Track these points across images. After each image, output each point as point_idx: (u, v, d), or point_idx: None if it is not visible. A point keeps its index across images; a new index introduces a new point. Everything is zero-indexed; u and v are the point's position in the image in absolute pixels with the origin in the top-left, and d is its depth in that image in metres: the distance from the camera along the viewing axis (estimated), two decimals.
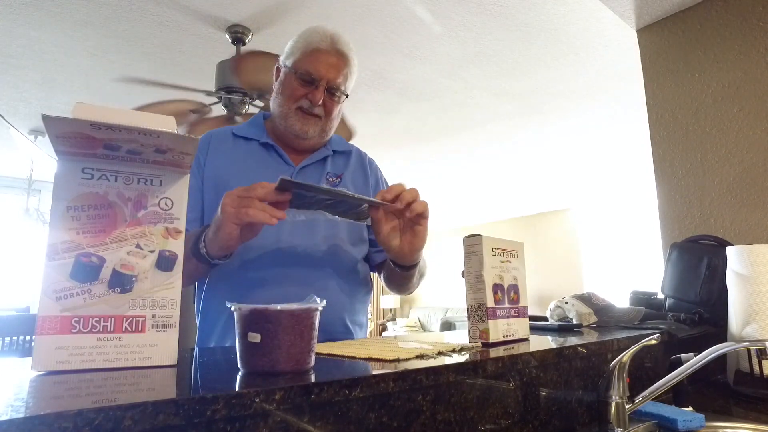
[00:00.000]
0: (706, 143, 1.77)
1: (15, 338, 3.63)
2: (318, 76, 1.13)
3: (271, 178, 1.14)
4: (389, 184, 1.35)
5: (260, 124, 1.26)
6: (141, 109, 2.73)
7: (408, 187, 0.96)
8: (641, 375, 1.10)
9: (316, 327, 0.64)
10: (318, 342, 0.66)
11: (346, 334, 1.16)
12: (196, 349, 0.93)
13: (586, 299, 1.31)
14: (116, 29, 2.65)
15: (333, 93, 1.16)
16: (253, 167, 1.16)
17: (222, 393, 0.49)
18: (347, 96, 1.20)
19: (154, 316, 0.65)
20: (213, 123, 2.96)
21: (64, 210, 0.63)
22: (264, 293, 1.04)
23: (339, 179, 1.23)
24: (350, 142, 3.13)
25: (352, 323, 1.18)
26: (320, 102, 1.13)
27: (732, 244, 1.31)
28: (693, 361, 0.84)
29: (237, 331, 0.62)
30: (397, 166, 5.44)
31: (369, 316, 9.30)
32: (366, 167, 1.31)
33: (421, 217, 0.97)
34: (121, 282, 0.64)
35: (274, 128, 1.23)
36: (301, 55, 1.14)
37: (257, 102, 2.81)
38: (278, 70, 1.21)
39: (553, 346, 0.90)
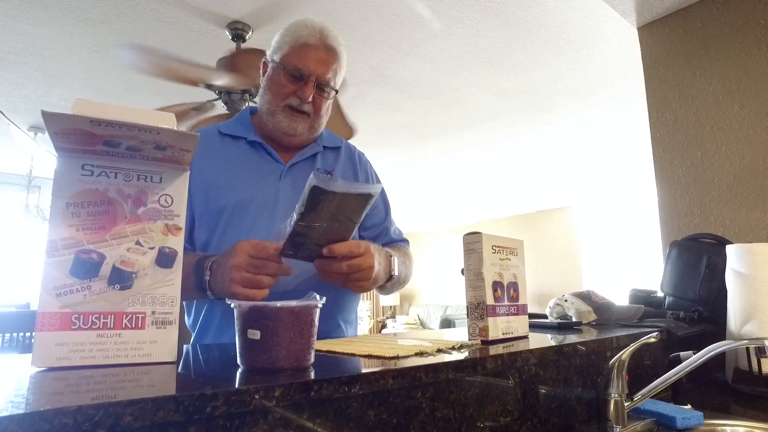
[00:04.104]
0: (706, 141, 1.77)
1: (15, 335, 3.64)
2: (307, 71, 1.11)
3: (260, 177, 1.15)
4: (379, 180, 1.35)
5: (247, 120, 1.23)
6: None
7: (360, 247, 0.95)
8: (640, 373, 1.10)
9: (316, 324, 0.64)
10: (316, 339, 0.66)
11: (338, 332, 1.17)
12: (197, 346, 0.93)
13: (585, 297, 1.32)
14: (116, 26, 2.64)
15: (322, 89, 1.14)
16: (242, 167, 1.15)
17: (222, 390, 0.49)
18: (336, 92, 1.18)
19: (153, 312, 0.66)
20: (213, 120, 2.96)
21: (64, 206, 0.63)
22: None
23: (329, 175, 1.21)
24: (351, 139, 3.12)
25: (343, 321, 1.19)
26: (309, 98, 1.11)
27: (732, 243, 1.31)
28: (692, 359, 0.84)
29: (237, 328, 0.62)
30: (397, 164, 5.43)
31: (369, 313, 9.25)
32: (355, 162, 1.30)
33: (361, 279, 0.98)
34: (121, 279, 0.64)
35: (261, 124, 1.20)
36: (289, 50, 1.12)
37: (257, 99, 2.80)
38: (265, 64, 1.19)
39: (553, 343, 0.90)
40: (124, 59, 2.52)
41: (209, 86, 2.66)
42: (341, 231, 0.91)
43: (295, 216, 0.84)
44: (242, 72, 2.48)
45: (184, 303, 1.17)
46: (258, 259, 0.88)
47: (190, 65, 2.45)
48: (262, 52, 2.31)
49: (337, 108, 2.80)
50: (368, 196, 0.85)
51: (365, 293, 1.28)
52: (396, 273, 1.11)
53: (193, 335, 1.15)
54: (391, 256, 1.10)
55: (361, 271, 0.96)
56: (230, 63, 2.50)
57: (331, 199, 0.81)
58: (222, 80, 2.57)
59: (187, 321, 1.17)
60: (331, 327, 1.15)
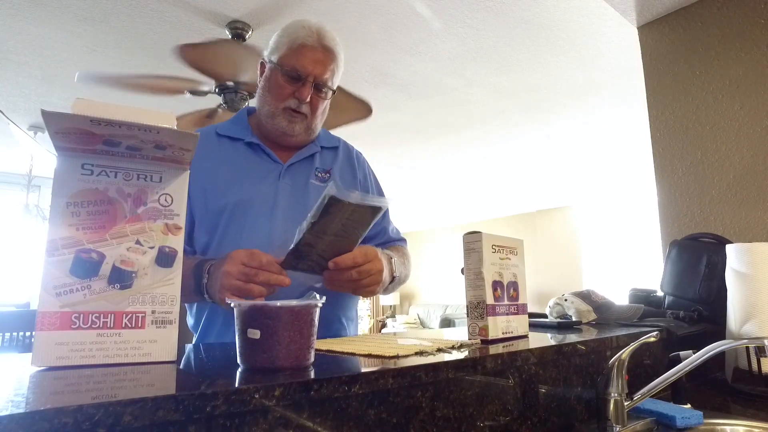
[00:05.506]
0: (706, 141, 1.77)
1: (15, 334, 3.63)
2: (305, 72, 1.11)
3: (259, 178, 1.15)
4: (377, 180, 1.36)
5: (244, 121, 1.24)
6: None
7: (368, 254, 0.97)
8: (640, 372, 1.10)
9: (316, 323, 0.64)
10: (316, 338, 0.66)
11: (341, 330, 1.18)
12: (196, 345, 0.93)
13: (585, 296, 1.31)
14: (116, 25, 2.64)
15: (320, 89, 1.14)
16: (241, 168, 1.16)
17: (222, 389, 0.49)
18: (334, 92, 1.19)
19: (153, 312, 0.66)
20: (214, 120, 2.96)
21: (64, 206, 0.63)
22: None
23: (328, 174, 1.22)
24: (358, 128, 3.11)
25: (345, 319, 1.21)
26: (307, 99, 1.12)
27: (731, 242, 1.31)
28: (692, 359, 0.84)
29: (237, 328, 0.62)
30: (396, 164, 5.43)
31: (369, 312, 9.27)
32: (353, 161, 1.31)
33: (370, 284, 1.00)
34: (121, 278, 0.64)
35: (259, 125, 1.21)
36: (287, 51, 1.12)
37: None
38: (263, 65, 1.19)
39: (552, 343, 0.90)
40: (82, 81, 2.52)
41: (194, 92, 2.67)
42: (346, 243, 0.92)
43: (305, 225, 0.84)
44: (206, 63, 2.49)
45: (186, 304, 1.17)
46: (250, 267, 0.88)
47: (161, 79, 2.46)
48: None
49: (344, 93, 2.79)
50: (378, 210, 0.87)
51: None
52: (397, 274, 1.13)
53: (196, 336, 1.15)
54: (391, 258, 1.11)
55: (371, 276, 0.98)
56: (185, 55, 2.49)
57: (344, 210, 0.82)
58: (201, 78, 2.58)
59: (189, 322, 1.18)
60: (333, 325, 1.17)
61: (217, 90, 2.81)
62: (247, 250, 0.90)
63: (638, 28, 2.02)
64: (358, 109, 2.94)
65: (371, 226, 0.90)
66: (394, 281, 1.14)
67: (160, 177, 0.69)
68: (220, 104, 2.87)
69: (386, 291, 1.19)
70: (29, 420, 0.39)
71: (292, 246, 0.87)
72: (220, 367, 0.69)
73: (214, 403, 0.48)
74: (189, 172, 0.71)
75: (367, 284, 0.99)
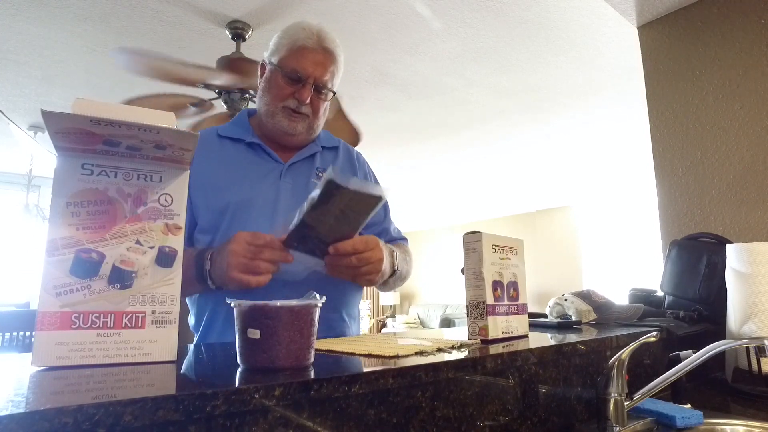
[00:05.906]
0: (706, 141, 1.77)
1: (15, 334, 3.64)
2: (305, 74, 1.12)
3: (260, 177, 1.16)
4: (377, 180, 1.37)
5: (245, 122, 1.24)
6: (136, 101, 2.72)
7: (368, 243, 0.99)
8: (640, 372, 1.10)
9: (316, 323, 0.64)
10: (318, 336, 0.66)
11: (343, 327, 1.19)
12: (196, 345, 0.93)
13: (585, 296, 1.31)
14: (116, 25, 2.64)
15: (320, 91, 1.15)
16: (242, 168, 1.16)
17: (221, 389, 0.49)
18: (334, 93, 1.19)
19: (153, 312, 0.66)
20: (214, 120, 2.95)
21: (64, 206, 0.63)
22: (261, 290, 1.04)
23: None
24: (357, 144, 3.14)
25: (348, 315, 1.21)
26: (308, 100, 1.13)
27: (731, 242, 1.31)
28: (691, 359, 0.84)
29: (237, 327, 0.62)
30: (396, 164, 5.43)
31: (369, 312, 9.29)
32: (354, 161, 1.32)
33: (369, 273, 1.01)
34: (121, 278, 0.64)
35: (260, 125, 1.21)
36: (287, 53, 1.13)
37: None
38: (263, 66, 1.20)
39: (552, 343, 0.90)
40: (118, 61, 2.52)
41: (208, 86, 2.65)
42: (346, 230, 0.93)
43: (305, 207, 0.86)
44: (241, 74, 2.49)
45: (188, 304, 1.18)
46: (255, 246, 0.90)
47: (185, 66, 2.45)
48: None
49: (341, 114, 2.81)
50: (378, 199, 0.88)
51: (364, 292, 1.30)
52: (398, 269, 1.14)
53: (197, 336, 1.15)
54: (393, 252, 1.12)
55: (371, 264, 0.99)
56: (230, 64, 2.50)
57: (343, 196, 0.83)
58: (220, 80, 2.57)
59: (191, 322, 1.18)
60: (336, 320, 1.18)
61: (217, 93, 2.81)
62: (250, 232, 0.93)
63: (638, 28, 2.02)
64: (349, 132, 2.95)
65: (372, 214, 0.92)
66: (395, 275, 1.15)
67: (160, 177, 0.69)
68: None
69: (388, 286, 1.20)
70: (29, 420, 0.39)
71: (292, 227, 0.89)
72: (220, 367, 0.69)
73: (214, 403, 0.48)
74: (189, 171, 0.71)
75: (367, 272, 1.00)
